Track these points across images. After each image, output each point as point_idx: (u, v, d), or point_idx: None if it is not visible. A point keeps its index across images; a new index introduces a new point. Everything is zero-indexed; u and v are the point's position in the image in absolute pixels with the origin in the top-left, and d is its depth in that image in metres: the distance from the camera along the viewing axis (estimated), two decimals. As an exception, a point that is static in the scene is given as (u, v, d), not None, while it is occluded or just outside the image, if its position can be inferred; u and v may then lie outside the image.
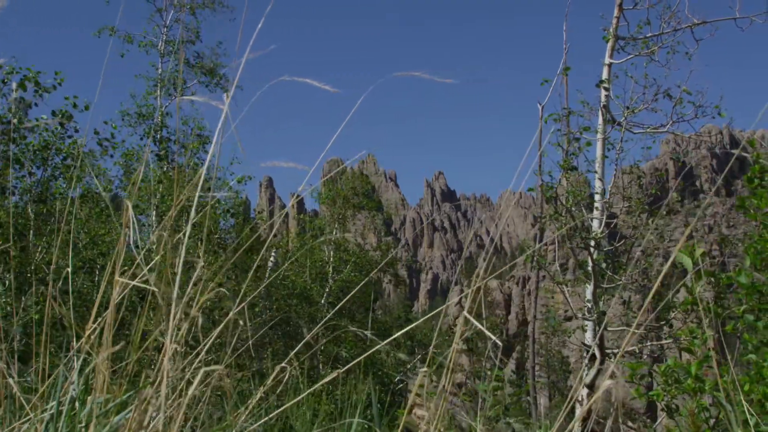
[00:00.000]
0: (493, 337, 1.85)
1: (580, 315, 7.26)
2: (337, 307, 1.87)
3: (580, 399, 7.83)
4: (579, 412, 7.63)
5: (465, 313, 1.87)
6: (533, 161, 7.81)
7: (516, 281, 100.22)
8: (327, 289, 17.18)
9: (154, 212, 13.63)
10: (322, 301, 17.18)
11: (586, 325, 7.88)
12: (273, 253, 15.64)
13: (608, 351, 7.61)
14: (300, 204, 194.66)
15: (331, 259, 17.31)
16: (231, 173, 13.45)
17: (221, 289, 1.82)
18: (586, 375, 7.79)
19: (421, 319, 2.16)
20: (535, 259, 8.12)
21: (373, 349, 2.13)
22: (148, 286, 1.78)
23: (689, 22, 8.90)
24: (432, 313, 1.97)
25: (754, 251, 3.66)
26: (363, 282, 14.89)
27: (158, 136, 14.40)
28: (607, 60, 8.64)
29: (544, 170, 7.20)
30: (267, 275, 15.41)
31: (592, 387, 7.85)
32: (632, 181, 7.29)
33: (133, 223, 1.82)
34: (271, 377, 2.25)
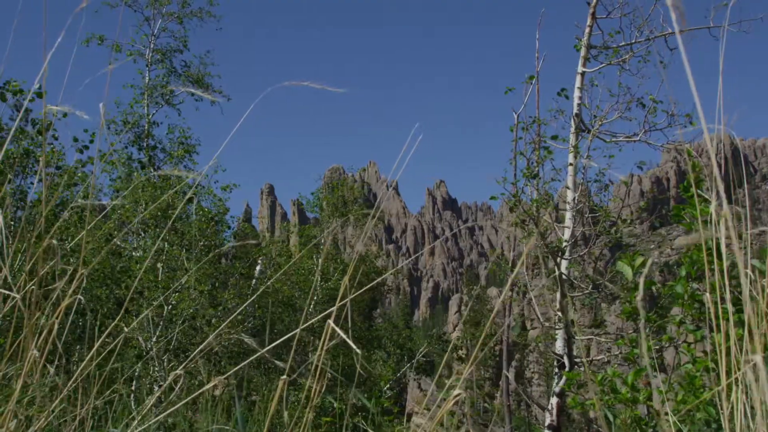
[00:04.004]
0: (355, 348, 1.84)
1: (546, 324, 7.26)
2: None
3: (549, 408, 7.80)
4: (548, 420, 7.61)
5: (330, 322, 1.87)
6: (511, 169, 7.81)
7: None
8: (315, 298, 17.17)
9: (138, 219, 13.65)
10: (310, 309, 17.16)
11: (557, 334, 7.87)
12: (259, 261, 15.64)
13: (577, 360, 7.60)
14: (301, 213, 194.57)
15: (319, 266, 17.30)
16: (215, 181, 13.46)
17: (79, 296, 1.82)
18: (556, 384, 7.77)
19: (289, 334, 2.16)
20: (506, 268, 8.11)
21: (255, 356, 2.13)
22: (7, 292, 1.79)
23: (664, 32, 8.92)
24: (306, 324, 1.96)
25: (689, 261, 3.66)
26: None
27: (144, 144, 14.45)
28: (579, 69, 8.66)
29: (512, 179, 7.20)
30: (254, 283, 15.41)
31: (561, 396, 7.83)
32: (601, 189, 7.31)
33: (2, 229, 1.83)
34: (166, 383, 2.25)
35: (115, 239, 12.86)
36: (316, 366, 1.84)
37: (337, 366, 17.48)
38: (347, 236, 20.73)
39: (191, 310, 11.91)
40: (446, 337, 23.52)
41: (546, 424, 7.89)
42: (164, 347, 11.28)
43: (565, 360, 7.58)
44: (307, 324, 1.88)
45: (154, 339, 11.48)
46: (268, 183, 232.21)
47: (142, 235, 14.05)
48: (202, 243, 13.39)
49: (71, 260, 11.55)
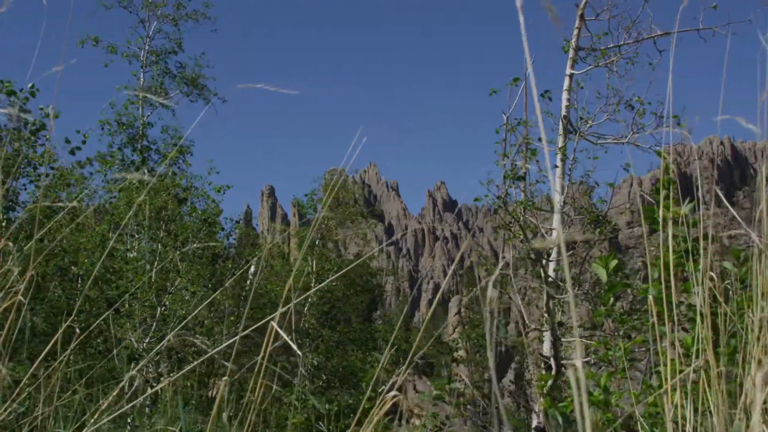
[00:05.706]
0: (297, 349, 1.85)
1: (533, 326, 7.26)
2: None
3: (537, 411, 7.81)
4: (534, 422, 7.61)
5: (274, 324, 1.88)
6: (497, 171, 7.82)
7: (516, 291, 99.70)
8: (309, 300, 17.17)
9: (132, 221, 13.67)
10: (305, 311, 17.17)
11: (544, 336, 7.87)
12: (253, 262, 15.64)
13: (564, 362, 7.60)
14: (302, 214, 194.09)
15: (314, 268, 17.30)
16: (209, 183, 13.48)
17: (19, 297, 1.84)
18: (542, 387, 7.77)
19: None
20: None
21: (207, 355, 2.13)
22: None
23: (652, 34, 8.94)
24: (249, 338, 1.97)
25: (659, 264, 3.66)
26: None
27: (138, 145, 14.48)
28: (568, 70, 8.67)
29: (499, 180, 7.21)
30: (247, 284, 15.41)
31: (548, 398, 7.82)
32: (588, 191, 7.31)
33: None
34: (119, 387, 2.26)
35: (110, 241, 12.87)
36: (261, 365, 1.85)
37: (332, 367, 17.52)
38: (345, 237, 20.75)
39: (183, 312, 11.90)
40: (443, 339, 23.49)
41: (533, 426, 7.90)
42: (155, 348, 11.27)
43: (552, 362, 7.59)
44: (247, 331, 1.89)
45: (147, 340, 11.48)
46: (268, 184, 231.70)
47: (136, 236, 14.08)
48: (195, 245, 13.40)
49: (65, 261, 11.57)
